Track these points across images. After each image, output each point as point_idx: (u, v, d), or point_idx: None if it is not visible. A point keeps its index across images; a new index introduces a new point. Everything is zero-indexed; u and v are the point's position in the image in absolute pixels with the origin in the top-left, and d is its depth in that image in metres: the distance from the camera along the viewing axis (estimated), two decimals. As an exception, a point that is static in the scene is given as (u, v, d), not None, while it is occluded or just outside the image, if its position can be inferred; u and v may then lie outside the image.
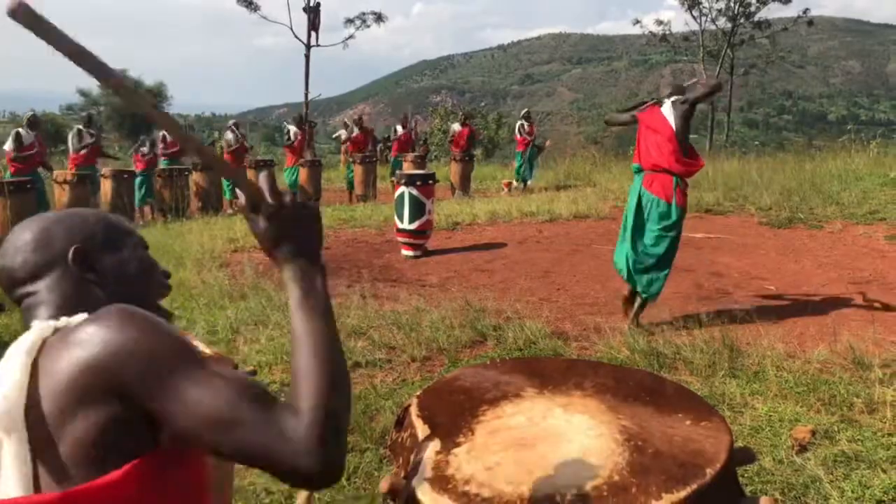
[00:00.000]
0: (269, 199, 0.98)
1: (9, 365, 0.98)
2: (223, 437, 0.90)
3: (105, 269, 1.15)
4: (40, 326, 1.02)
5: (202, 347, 2.24)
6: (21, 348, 0.99)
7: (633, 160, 5.36)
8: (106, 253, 1.16)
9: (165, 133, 13.89)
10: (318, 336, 0.96)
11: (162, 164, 13.49)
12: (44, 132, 12.31)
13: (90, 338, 0.94)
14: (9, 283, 1.12)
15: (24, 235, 1.13)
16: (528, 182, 14.34)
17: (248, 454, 0.90)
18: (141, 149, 13.46)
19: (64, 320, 1.03)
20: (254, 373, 2.41)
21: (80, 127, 11.82)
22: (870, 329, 4.35)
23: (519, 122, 15.09)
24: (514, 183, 14.40)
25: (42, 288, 1.11)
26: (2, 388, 0.95)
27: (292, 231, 1.00)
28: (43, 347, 0.98)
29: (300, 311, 0.98)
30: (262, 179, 1.00)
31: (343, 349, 0.98)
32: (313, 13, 26.14)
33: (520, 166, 14.50)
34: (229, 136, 14.12)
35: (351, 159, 14.57)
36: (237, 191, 1.01)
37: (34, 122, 10.60)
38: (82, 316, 1.02)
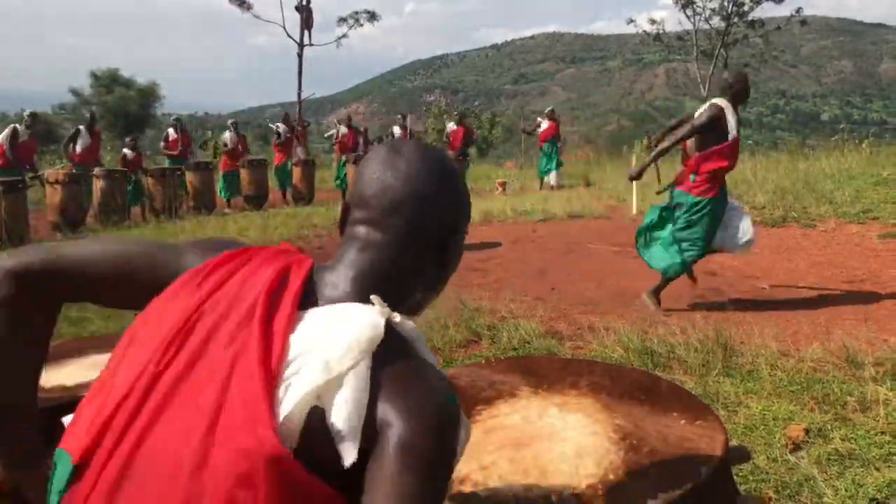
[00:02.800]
0: None
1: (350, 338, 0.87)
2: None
3: (448, 259, 1.08)
4: (381, 312, 0.92)
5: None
6: (363, 335, 0.88)
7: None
8: (457, 239, 1.09)
9: (170, 130, 13.89)
10: None
11: (167, 163, 13.48)
12: (37, 133, 12.41)
13: (434, 397, 0.86)
14: (383, 201, 0.99)
15: (450, 181, 1.05)
16: (546, 179, 14.13)
17: None
18: (123, 150, 13.40)
19: (398, 319, 0.94)
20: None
21: (81, 127, 11.93)
22: (863, 328, 4.36)
23: (538, 119, 15.01)
24: (547, 180, 14.09)
25: (391, 239, 0.99)
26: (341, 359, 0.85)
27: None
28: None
29: None
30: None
31: None
32: (306, 12, 26.08)
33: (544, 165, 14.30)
34: (227, 135, 14.09)
35: (343, 159, 14.55)
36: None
37: (33, 121, 10.85)
38: (411, 325, 0.95)
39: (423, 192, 1.00)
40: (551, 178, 13.92)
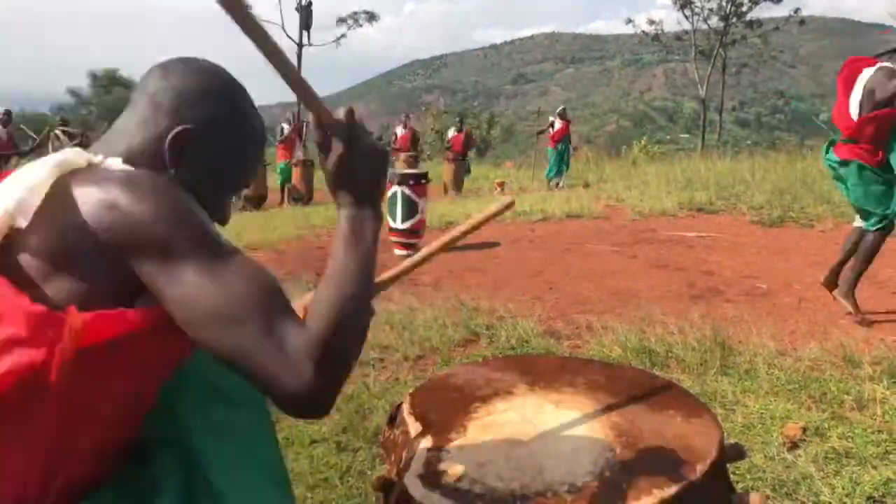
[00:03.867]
0: (343, 139, 0.96)
1: (33, 171, 0.94)
2: (215, 334, 0.85)
3: (193, 163, 1.07)
4: (78, 153, 0.98)
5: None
6: (50, 161, 0.95)
7: None
8: (206, 144, 1.08)
9: None
10: (350, 274, 0.94)
11: None
12: (16, 131, 12.80)
13: (120, 190, 0.90)
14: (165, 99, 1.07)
15: (195, 77, 1.09)
16: (554, 180, 14.08)
17: (236, 357, 0.86)
18: None
19: (100, 158, 1.00)
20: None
21: (58, 131, 12.16)
22: (860, 327, 4.37)
23: (551, 119, 14.97)
24: (556, 180, 14.03)
25: (135, 124, 1.06)
26: (24, 182, 0.91)
27: (365, 166, 0.98)
28: (73, 173, 0.94)
29: (341, 248, 0.97)
30: (342, 114, 0.97)
31: (373, 284, 0.97)
32: (305, 12, 26.09)
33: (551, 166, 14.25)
34: None
35: None
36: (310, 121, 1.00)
37: (7, 119, 11.52)
38: (118, 163, 0.99)
39: (175, 83, 1.08)
40: (561, 179, 13.89)
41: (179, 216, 0.90)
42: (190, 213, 0.92)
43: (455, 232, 1.41)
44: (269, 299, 0.87)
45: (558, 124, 14.41)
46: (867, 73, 4.53)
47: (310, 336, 0.85)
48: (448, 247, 1.41)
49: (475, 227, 1.42)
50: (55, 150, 11.95)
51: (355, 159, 0.97)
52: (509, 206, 1.41)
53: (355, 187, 0.98)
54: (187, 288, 0.86)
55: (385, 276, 1.43)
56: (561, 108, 15.32)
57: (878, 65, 4.52)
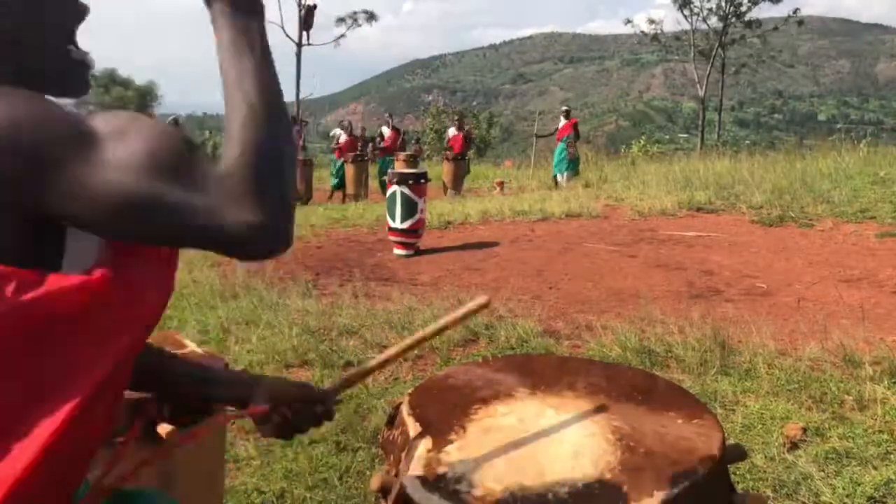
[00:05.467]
0: None
1: None
2: (134, 224, 0.75)
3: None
4: None
5: (193, 347, 2.23)
6: None
7: None
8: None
9: None
10: (250, 74, 0.81)
11: None
12: None
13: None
14: None
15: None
16: (558, 179, 14.05)
17: (168, 231, 0.76)
18: None
19: None
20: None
21: None
22: (860, 327, 4.37)
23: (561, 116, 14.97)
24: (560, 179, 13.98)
25: None
26: None
27: None
28: None
29: (231, 49, 0.82)
30: None
31: (281, 91, 0.84)
32: (307, 13, 26.08)
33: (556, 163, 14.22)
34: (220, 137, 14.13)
35: (342, 159, 14.57)
36: None
37: None
38: None
39: None
40: (563, 178, 13.86)
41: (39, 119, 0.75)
42: (46, 109, 0.77)
43: (422, 333, 1.38)
44: (169, 163, 0.75)
45: (562, 122, 14.46)
46: None
47: (230, 161, 0.75)
48: (413, 348, 1.37)
49: (445, 328, 1.39)
50: None
51: None
52: (484, 306, 1.37)
53: None
54: (85, 194, 0.73)
55: (350, 373, 1.43)
56: (564, 108, 15.34)
57: None
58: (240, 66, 0.81)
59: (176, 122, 14.71)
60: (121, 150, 0.74)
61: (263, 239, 0.75)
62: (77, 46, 0.92)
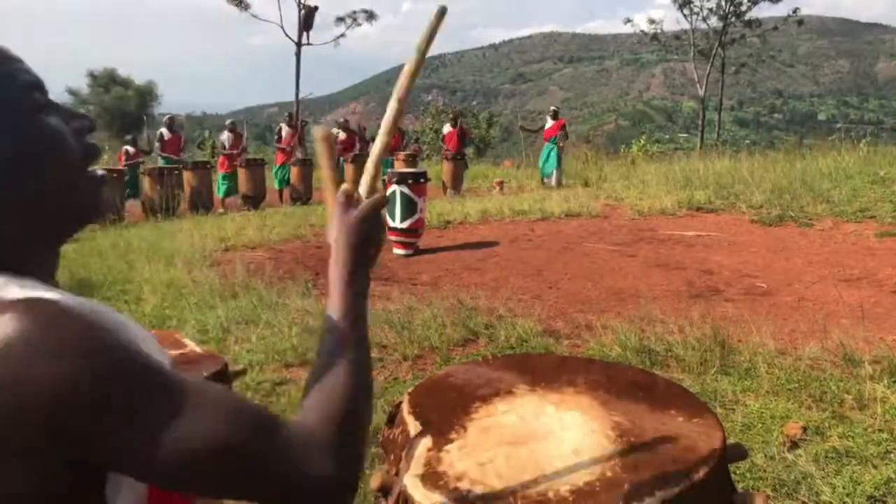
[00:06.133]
0: (373, 200, 0.94)
1: None
2: (217, 475, 0.71)
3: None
4: None
5: (192, 346, 2.22)
6: None
7: None
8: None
9: (163, 131, 13.99)
10: (356, 351, 0.86)
11: (160, 161, 13.60)
12: None
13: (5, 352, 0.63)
14: None
15: None
16: (546, 179, 14.04)
17: (253, 484, 0.72)
18: (125, 147, 13.77)
19: None
20: (243, 372, 2.40)
21: None
22: (860, 326, 4.37)
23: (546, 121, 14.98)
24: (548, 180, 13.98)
25: None
26: None
27: (371, 237, 0.93)
28: None
29: (345, 317, 0.87)
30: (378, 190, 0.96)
31: (371, 366, 0.90)
32: (308, 14, 26.04)
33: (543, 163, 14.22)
34: (224, 136, 14.08)
35: (342, 159, 14.56)
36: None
37: None
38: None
39: None
40: (552, 178, 13.84)
41: (109, 357, 0.67)
42: (114, 344, 0.68)
43: (410, 66, 1.23)
44: (250, 416, 0.74)
45: (549, 123, 14.47)
46: None
47: (320, 424, 0.78)
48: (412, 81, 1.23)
49: (426, 48, 1.25)
50: None
51: (373, 221, 0.94)
52: (441, 14, 1.23)
53: (363, 251, 0.93)
54: (161, 444, 0.67)
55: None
56: (553, 108, 15.35)
57: None
58: (353, 338, 0.86)
59: (172, 120, 14.69)
60: (206, 398, 0.72)
61: (336, 492, 0.78)
62: (89, 178, 0.84)
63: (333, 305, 0.89)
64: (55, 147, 0.78)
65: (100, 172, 0.86)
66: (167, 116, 15.27)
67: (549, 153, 14.02)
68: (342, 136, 15.25)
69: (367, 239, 0.93)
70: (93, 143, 0.85)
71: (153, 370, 0.70)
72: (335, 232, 0.94)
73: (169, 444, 0.67)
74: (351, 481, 0.79)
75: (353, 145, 15.06)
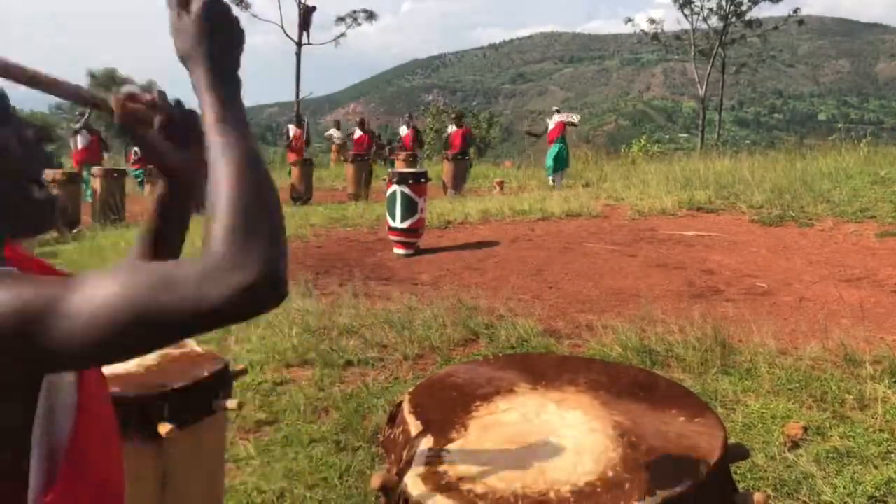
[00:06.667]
0: None
1: None
2: (134, 340, 0.74)
3: None
4: None
5: (192, 346, 2.22)
6: None
7: None
8: None
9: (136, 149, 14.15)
10: (237, 149, 0.80)
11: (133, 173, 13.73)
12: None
13: None
14: None
15: None
16: (551, 180, 14.00)
17: (166, 333, 0.75)
18: (134, 147, 13.99)
19: None
20: (244, 372, 2.40)
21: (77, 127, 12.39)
22: (861, 326, 4.37)
23: (547, 122, 14.92)
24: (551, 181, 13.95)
25: None
26: None
27: (221, 29, 0.86)
28: None
29: (219, 120, 0.82)
30: None
31: (267, 169, 0.83)
32: (306, 14, 26.05)
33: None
34: None
35: (342, 158, 14.57)
36: None
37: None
38: None
39: None
40: (557, 179, 13.78)
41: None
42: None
43: None
44: (143, 272, 0.75)
45: (552, 125, 14.43)
46: None
47: (219, 238, 0.75)
48: None
49: None
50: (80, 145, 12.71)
51: (217, 13, 0.86)
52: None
53: (217, 44, 0.85)
54: (71, 331, 0.73)
55: None
56: (555, 108, 15.31)
57: None
58: (228, 140, 0.81)
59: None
60: (94, 285, 0.74)
61: (261, 296, 0.73)
62: (41, 185, 0.93)
63: (206, 117, 0.84)
64: None
65: (50, 193, 0.92)
66: (147, 82, 15.37)
67: (556, 152, 13.95)
68: (358, 133, 15.26)
69: (222, 38, 0.86)
70: (46, 152, 0.91)
71: (45, 279, 0.78)
72: (178, 41, 0.86)
73: (76, 319, 0.72)
74: (269, 278, 0.73)
75: (369, 146, 15.06)
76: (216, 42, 0.85)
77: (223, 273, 0.72)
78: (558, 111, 14.66)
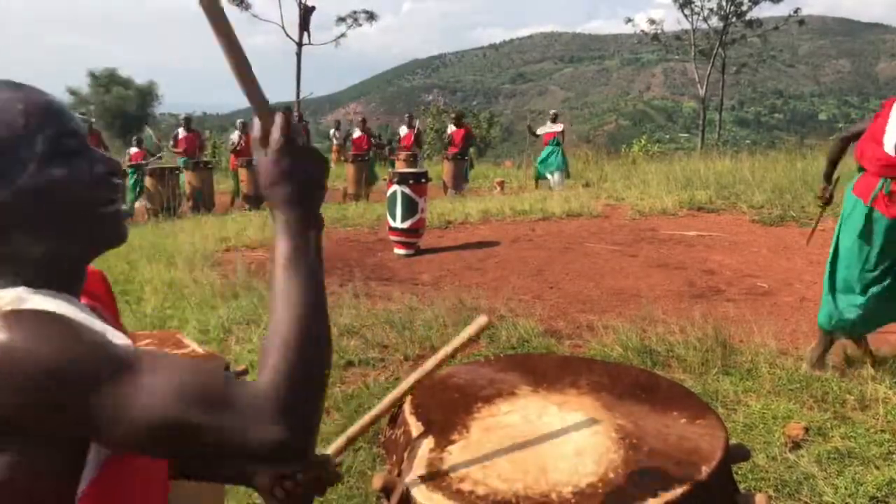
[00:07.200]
0: (280, 132, 0.87)
1: None
2: (168, 446, 0.79)
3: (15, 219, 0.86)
4: None
5: (194, 346, 2.22)
6: None
7: None
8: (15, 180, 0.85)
9: (179, 131, 14.00)
10: (301, 294, 0.84)
11: (179, 162, 13.59)
12: None
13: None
14: None
15: None
16: (549, 178, 13.97)
17: (200, 451, 0.81)
18: (131, 148, 13.90)
19: None
20: (245, 372, 2.40)
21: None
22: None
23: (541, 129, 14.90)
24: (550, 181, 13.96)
25: None
26: None
27: (296, 171, 0.88)
28: None
29: (286, 263, 0.85)
30: (279, 117, 0.89)
31: (328, 318, 0.88)
32: (305, 14, 26.06)
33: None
34: (235, 136, 14.07)
35: (342, 158, 14.57)
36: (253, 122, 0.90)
37: None
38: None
39: None
40: (552, 181, 13.75)
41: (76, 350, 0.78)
42: (80, 339, 0.79)
43: (429, 364, 1.38)
44: (202, 384, 0.79)
45: (548, 129, 14.43)
46: None
47: (266, 383, 0.79)
48: (419, 382, 1.38)
49: (451, 356, 1.39)
50: None
51: (293, 154, 0.88)
52: (484, 328, 1.38)
53: (291, 186, 0.87)
54: (121, 419, 0.76)
55: (351, 430, 1.41)
56: (553, 111, 15.30)
57: None
58: (290, 278, 0.85)
59: (189, 119, 14.63)
60: (158, 376, 0.78)
61: (284, 456, 0.79)
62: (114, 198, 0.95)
63: (277, 255, 0.87)
64: (62, 192, 0.88)
65: (120, 207, 0.95)
66: (183, 116, 15.27)
67: (548, 154, 13.97)
68: (357, 133, 15.25)
69: (299, 182, 0.88)
70: (116, 182, 0.94)
71: (111, 352, 0.79)
72: (262, 179, 0.89)
73: (123, 416, 0.76)
74: (300, 444, 0.80)
75: (368, 146, 15.04)
76: (292, 184, 0.87)
77: (265, 423, 0.77)
78: (553, 120, 14.62)
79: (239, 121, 14.66)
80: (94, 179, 0.91)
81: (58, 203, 0.87)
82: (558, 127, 14.30)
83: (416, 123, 15.30)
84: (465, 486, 1.16)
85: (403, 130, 15.15)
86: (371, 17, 31.71)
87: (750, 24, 37.45)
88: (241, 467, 0.87)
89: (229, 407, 0.77)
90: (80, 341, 0.78)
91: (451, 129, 14.64)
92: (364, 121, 16.15)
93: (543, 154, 14.09)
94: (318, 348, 0.84)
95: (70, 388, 0.75)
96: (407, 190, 7.44)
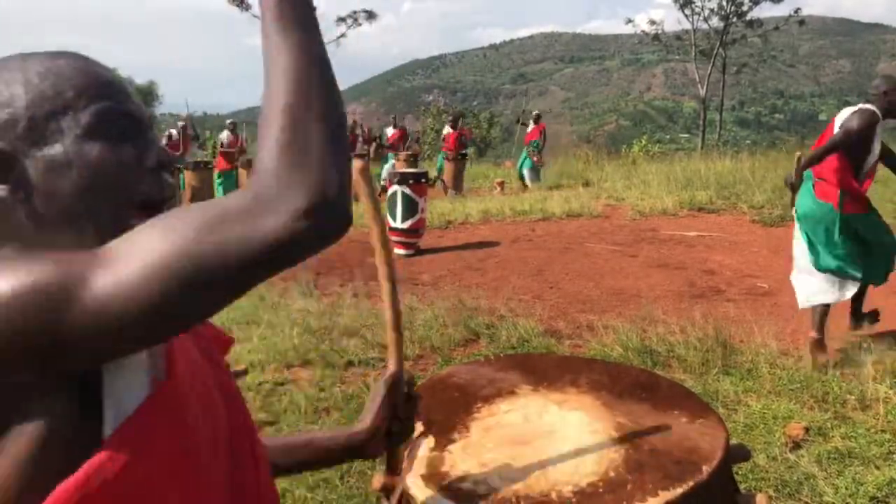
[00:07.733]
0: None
1: None
2: (179, 293, 0.61)
3: (27, 181, 0.72)
4: None
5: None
6: None
7: None
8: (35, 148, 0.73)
9: (171, 132, 14.05)
10: (298, 49, 0.69)
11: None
12: None
13: None
14: None
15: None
16: (526, 181, 14.10)
17: (219, 275, 0.61)
18: None
19: None
20: (244, 372, 2.40)
21: None
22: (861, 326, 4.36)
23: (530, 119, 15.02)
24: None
25: None
26: None
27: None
28: None
29: (276, 23, 0.70)
30: None
31: (332, 70, 0.71)
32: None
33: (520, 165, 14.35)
34: (224, 135, 14.14)
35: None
36: None
37: None
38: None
39: None
40: (527, 179, 13.95)
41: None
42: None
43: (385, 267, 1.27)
44: (184, 218, 0.63)
45: (531, 127, 14.52)
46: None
47: (272, 149, 0.64)
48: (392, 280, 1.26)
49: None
50: None
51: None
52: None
53: None
54: (115, 295, 0.60)
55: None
56: (535, 112, 15.38)
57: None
58: (285, 41, 0.70)
59: (234, 124, 14.68)
60: (126, 255, 0.62)
61: (322, 220, 0.63)
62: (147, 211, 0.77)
63: (264, 15, 0.72)
64: (96, 173, 0.75)
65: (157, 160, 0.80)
66: (186, 114, 15.36)
67: (525, 156, 14.24)
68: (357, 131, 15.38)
69: None
70: (163, 181, 0.80)
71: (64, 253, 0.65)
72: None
73: (111, 289, 0.60)
74: (331, 196, 0.63)
75: (353, 146, 15.11)
76: None
77: (275, 196, 0.61)
78: (536, 121, 14.73)
79: (229, 121, 14.72)
80: (139, 168, 0.78)
81: (86, 183, 0.74)
82: (532, 127, 14.48)
83: (405, 123, 15.41)
84: (466, 485, 1.16)
85: (390, 130, 15.28)
86: (371, 16, 31.75)
87: (750, 24, 37.48)
88: (291, 265, 0.62)
89: (225, 211, 0.62)
90: (33, 262, 0.62)
91: (447, 130, 14.69)
92: (355, 122, 16.27)
93: (523, 154, 14.29)
94: (328, 97, 0.68)
95: (38, 302, 0.59)
96: (407, 190, 7.44)
